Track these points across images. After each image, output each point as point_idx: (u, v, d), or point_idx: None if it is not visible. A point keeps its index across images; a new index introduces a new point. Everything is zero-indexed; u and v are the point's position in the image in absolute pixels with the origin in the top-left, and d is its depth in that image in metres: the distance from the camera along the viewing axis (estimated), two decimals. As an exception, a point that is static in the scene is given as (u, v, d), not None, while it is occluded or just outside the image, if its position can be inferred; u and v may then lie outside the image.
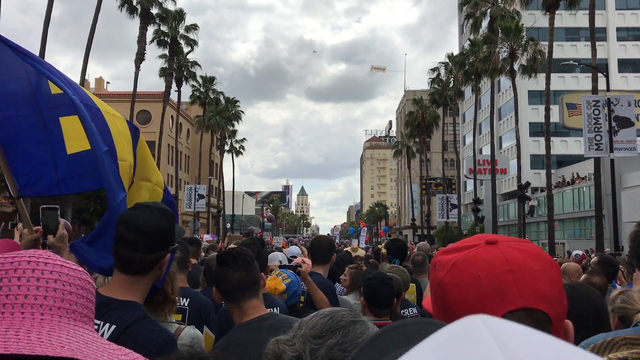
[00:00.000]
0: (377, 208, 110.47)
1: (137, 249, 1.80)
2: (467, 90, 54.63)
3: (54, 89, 2.43)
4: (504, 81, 50.39)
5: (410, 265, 5.98)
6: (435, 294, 0.88)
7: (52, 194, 2.69)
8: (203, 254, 8.84)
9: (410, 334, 0.57)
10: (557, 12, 30.66)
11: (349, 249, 11.98)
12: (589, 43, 27.28)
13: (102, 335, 1.70)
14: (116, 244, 1.83)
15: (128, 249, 1.81)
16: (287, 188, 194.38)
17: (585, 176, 38.72)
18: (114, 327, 1.72)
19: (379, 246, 14.93)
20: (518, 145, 37.31)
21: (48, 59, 24.85)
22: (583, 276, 4.56)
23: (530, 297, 0.80)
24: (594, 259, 4.76)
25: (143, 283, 1.86)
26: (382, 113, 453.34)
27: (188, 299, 3.55)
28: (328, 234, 74.30)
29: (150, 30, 40.06)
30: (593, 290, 2.54)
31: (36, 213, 2.69)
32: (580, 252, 12.02)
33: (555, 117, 37.02)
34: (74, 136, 2.51)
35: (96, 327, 1.72)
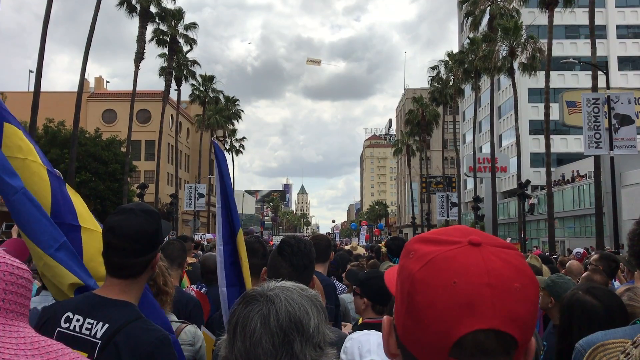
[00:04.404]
0: (377, 206, 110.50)
1: (127, 255, 1.80)
2: (467, 89, 54.62)
3: None
4: (504, 79, 50.37)
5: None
6: (403, 286, 0.79)
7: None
8: (198, 252, 8.82)
9: None
10: (556, 9, 30.61)
11: (348, 247, 11.96)
12: (589, 41, 27.27)
13: (94, 334, 1.69)
14: (105, 251, 1.83)
15: (118, 255, 1.80)
16: (287, 187, 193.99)
17: (585, 174, 38.69)
18: (107, 325, 1.71)
19: (379, 244, 14.90)
20: (518, 143, 37.29)
21: (45, 57, 24.75)
22: (584, 274, 4.54)
23: (503, 318, 0.73)
24: (595, 256, 4.73)
25: (137, 285, 1.86)
26: (381, 111, 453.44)
27: None
28: (328, 233, 74.33)
29: (150, 29, 40.08)
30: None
31: None
32: (582, 250, 11.97)
33: (555, 115, 37.01)
34: None
35: (89, 325, 1.70)
